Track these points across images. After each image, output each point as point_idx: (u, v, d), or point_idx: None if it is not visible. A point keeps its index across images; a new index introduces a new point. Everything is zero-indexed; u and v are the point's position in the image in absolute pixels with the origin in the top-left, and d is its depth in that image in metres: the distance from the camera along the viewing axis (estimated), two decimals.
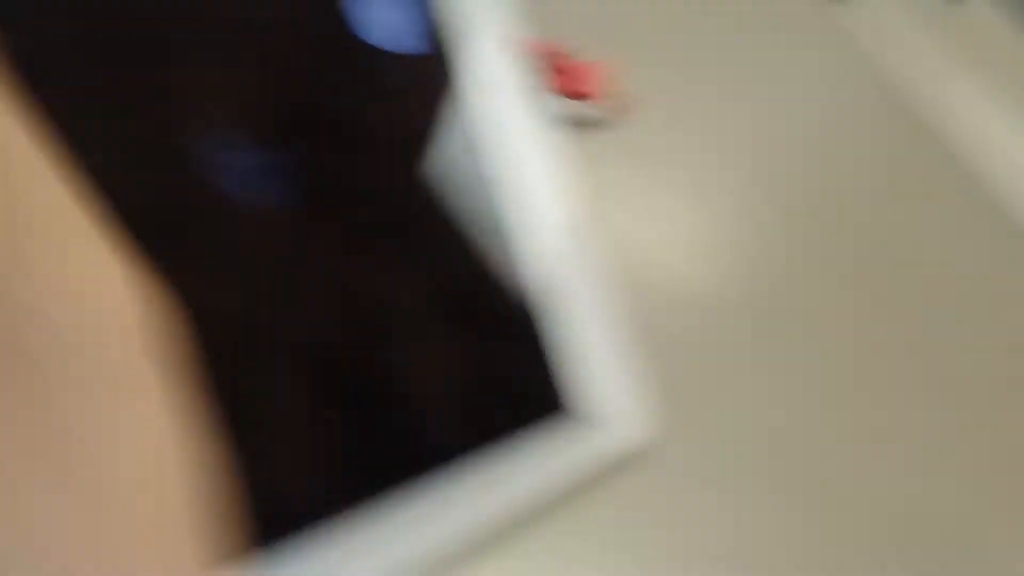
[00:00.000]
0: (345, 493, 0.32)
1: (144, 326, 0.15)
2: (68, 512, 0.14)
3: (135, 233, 0.27)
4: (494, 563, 0.35)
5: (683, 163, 0.48)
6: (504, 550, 0.36)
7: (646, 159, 0.48)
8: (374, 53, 0.35)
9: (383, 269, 0.34)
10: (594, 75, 0.48)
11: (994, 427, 0.44)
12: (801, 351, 0.44)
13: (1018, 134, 0.57)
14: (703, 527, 0.38)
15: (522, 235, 0.37)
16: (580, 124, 0.48)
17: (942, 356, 0.46)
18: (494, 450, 0.35)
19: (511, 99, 0.38)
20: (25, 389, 0.14)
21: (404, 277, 0.34)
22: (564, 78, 0.48)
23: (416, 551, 0.33)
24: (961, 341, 0.46)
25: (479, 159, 0.37)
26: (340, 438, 0.32)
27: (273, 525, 0.31)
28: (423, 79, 0.36)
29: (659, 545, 0.38)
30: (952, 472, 0.42)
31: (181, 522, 0.16)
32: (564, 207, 0.39)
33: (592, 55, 0.49)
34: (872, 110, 0.54)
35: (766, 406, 0.42)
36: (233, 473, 0.30)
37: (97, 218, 0.15)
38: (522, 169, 0.38)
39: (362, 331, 0.33)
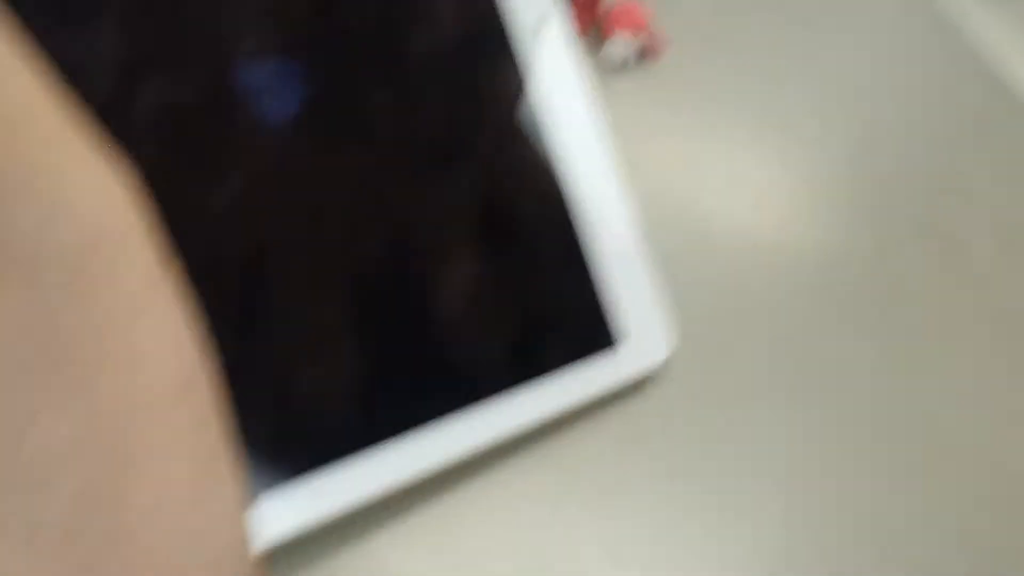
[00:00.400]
0: (379, 421, 0.33)
1: (150, 241, 0.15)
2: (92, 426, 0.14)
3: (160, 141, 0.27)
4: (513, 479, 0.36)
5: (726, 102, 0.48)
6: (524, 466, 0.36)
7: (685, 97, 0.47)
8: None
9: (422, 191, 0.34)
10: (629, 13, 0.47)
11: None
12: (845, 298, 0.43)
13: None
14: (723, 443, 0.39)
15: (564, 166, 0.38)
16: (618, 63, 0.47)
17: (1007, 301, 0.45)
18: (525, 373, 0.35)
19: (551, 36, 0.37)
20: (26, 305, 0.14)
21: (444, 200, 0.34)
22: (599, 17, 0.47)
23: (437, 464, 0.34)
24: None
25: (523, 89, 0.36)
26: (376, 363, 0.33)
27: (307, 450, 0.32)
28: (464, 7, 0.35)
29: (682, 460, 0.38)
30: (997, 404, 0.41)
31: (217, 432, 0.16)
32: (604, 143, 0.39)
33: None
34: (941, 56, 0.52)
35: (799, 342, 0.42)
36: (265, 395, 0.30)
37: (82, 121, 0.15)
38: (564, 104, 0.38)
39: (400, 254, 0.33)
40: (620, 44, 0.47)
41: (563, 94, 0.38)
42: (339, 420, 0.32)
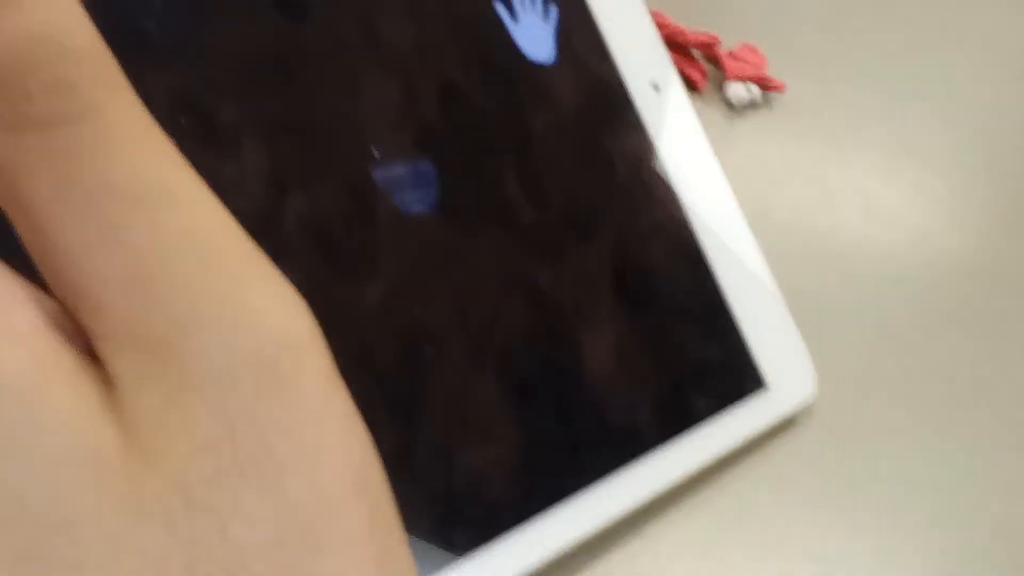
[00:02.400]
0: (538, 491, 0.33)
1: (322, 346, 0.16)
2: (284, 522, 0.15)
3: (308, 250, 0.28)
4: (671, 533, 0.36)
5: (851, 131, 0.47)
6: (680, 520, 0.37)
7: (810, 132, 0.47)
8: (526, 63, 0.35)
9: (561, 262, 0.34)
10: (748, 54, 0.47)
11: None
12: (989, 320, 0.42)
13: None
14: (874, 479, 0.38)
15: (695, 219, 0.38)
16: (742, 104, 0.47)
17: None
18: (674, 426, 0.36)
19: (670, 89, 0.38)
20: (225, 406, 0.15)
21: (584, 268, 0.35)
22: (719, 61, 0.48)
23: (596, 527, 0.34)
24: None
25: (649, 150, 0.37)
26: (531, 435, 0.33)
27: (471, 528, 0.32)
28: (581, 78, 0.36)
29: (835, 498, 0.38)
30: None
31: (393, 526, 0.16)
32: (730, 193, 0.39)
33: (734, 37, 0.48)
34: None
35: (937, 377, 0.41)
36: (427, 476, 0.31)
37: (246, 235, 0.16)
38: (689, 159, 0.38)
39: (545, 326, 0.34)
40: (742, 87, 0.47)
41: (686, 150, 0.38)
42: (500, 495, 0.33)
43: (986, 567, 0.37)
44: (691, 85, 0.47)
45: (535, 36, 0.36)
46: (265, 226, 0.28)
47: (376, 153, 0.31)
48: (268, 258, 0.16)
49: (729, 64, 0.47)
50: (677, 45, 0.47)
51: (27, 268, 0.15)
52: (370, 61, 0.32)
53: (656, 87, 0.38)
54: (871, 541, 0.37)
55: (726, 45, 0.48)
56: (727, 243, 0.38)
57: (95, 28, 0.14)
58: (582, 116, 0.36)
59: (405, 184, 0.31)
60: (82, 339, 0.15)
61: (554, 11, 0.37)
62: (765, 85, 0.47)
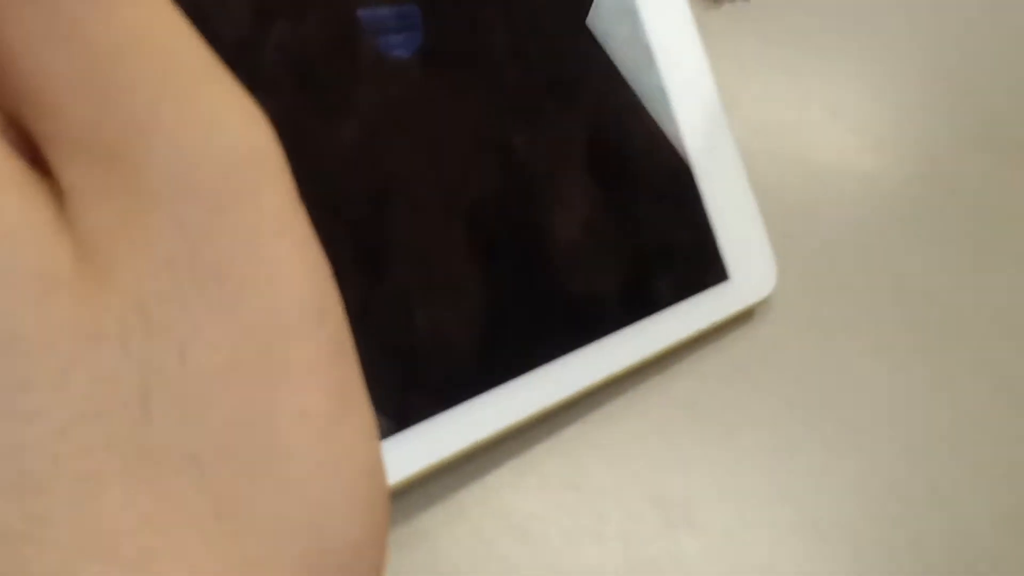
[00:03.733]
0: (497, 361, 0.33)
1: (283, 164, 0.15)
2: (243, 346, 0.14)
3: (284, 82, 0.27)
4: (626, 415, 0.36)
5: (823, 33, 0.47)
6: (636, 402, 0.36)
7: (781, 31, 0.46)
8: None
9: (536, 128, 0.34)
10: None
11: None
12: (949, 226, 0.43)
13: None
14: (827, 373, 0.39)
15: (672, 100, 0.37)
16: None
17: None
18: (638, 309, 0.36)
19: None
20: (180, 220, 0.14)
21: (557, 137, 0.34)
22: None
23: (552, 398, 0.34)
24: None
25: (632, 23, 0.36)
26: (493, 302, 0.33)
27: (426, 392, 0.32)
28: None
29: (789, 391, 0.38)
30: None
31: (351, 362, 0.16)
32: (709, 78, 0.38)
33: None
34: None
35: (905, 272, 0.41)
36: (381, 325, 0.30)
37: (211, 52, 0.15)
38: (671, 40, 0.38)
39: (515, 191, 0.33)
40: None
41: (669, 30, 0.37)
42: (458, 361, 0.32)
43: (932, 463, 0.37)
44: None
45: None
46: (245, 54, 0.27)
47: None
48: (229, 72, 0.15)
49: None
50: None
51: None
52: None
53: None
54: (818, 433, 0.37)
55: None
56: (704, 131, 0.38)
57: None
58: None
59: (389, 26, 0.30)
60: (28, 153, 0.14)
61: None
62: None
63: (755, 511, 0.36)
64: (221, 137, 0.14)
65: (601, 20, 0.35)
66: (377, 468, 0.16)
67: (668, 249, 0.36)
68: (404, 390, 0.31)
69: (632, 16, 0.36)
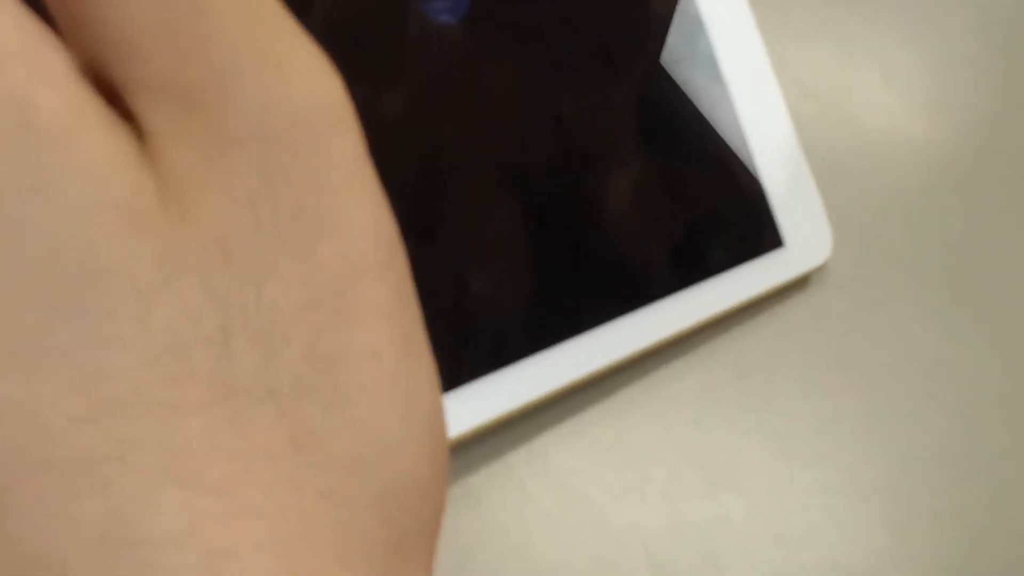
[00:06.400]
0: (548, 323, 0.33)
1: (354, 118, 0.16)
2: (316, 286, 0.15)
3: (332, 48, 0.28)
4: (676, 379, 0.36)
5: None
6: (686, 367, 0.37)
7: None
8: None
9: (588, 95, 0.34)
10: None
11: None
12: (1004, 194, 0.42)
13: None
14: (881, 341, 0.38)
15: (722, 64, 0.37)
16: None
17: None
18: (691, 274, 0.36)
19: None
20: (261, 161, 0.14)
21: (610, 104, 0.34)
22: None
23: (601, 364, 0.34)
24: None
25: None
26: (545, 267, 0.33)
27: (477, 353, 0.32)
28: None
29: (842, 358, 0.38)
30: None
31: (415, 310, 0.16)
32: (760, 45, 0.38)
33: None
34: None
35: (953, 243, 0.41)
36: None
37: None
38: (722, 7, 0.38)
39: (567, 157, 0.34)
40: None
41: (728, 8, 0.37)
42: (509, 323, 0.32)
43: (982, 431, 0.37)
44: None
45: None
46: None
47: None
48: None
49: None
50: None
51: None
52: None
53: None
54: (868, 399, 0.37)
55: None
56: (757, 97, 0.37)
57: None
58: None
59: None
60: (108, 96, 0.15)
61: None
62: None
63: (801, 475, 0.36)
64: (299, 87, 0.15)
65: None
66: (441, 413, 0.16)
67: (721, 215, 0.36)
68: (455, 351, 0.32)
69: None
